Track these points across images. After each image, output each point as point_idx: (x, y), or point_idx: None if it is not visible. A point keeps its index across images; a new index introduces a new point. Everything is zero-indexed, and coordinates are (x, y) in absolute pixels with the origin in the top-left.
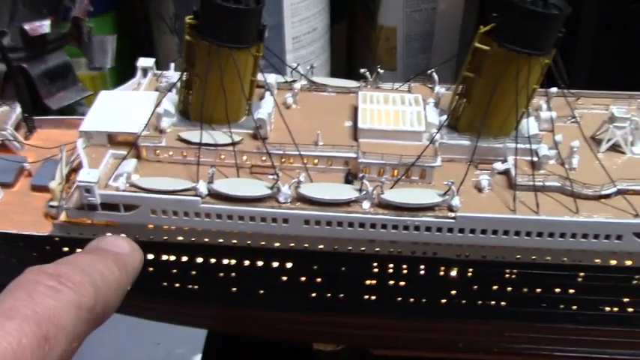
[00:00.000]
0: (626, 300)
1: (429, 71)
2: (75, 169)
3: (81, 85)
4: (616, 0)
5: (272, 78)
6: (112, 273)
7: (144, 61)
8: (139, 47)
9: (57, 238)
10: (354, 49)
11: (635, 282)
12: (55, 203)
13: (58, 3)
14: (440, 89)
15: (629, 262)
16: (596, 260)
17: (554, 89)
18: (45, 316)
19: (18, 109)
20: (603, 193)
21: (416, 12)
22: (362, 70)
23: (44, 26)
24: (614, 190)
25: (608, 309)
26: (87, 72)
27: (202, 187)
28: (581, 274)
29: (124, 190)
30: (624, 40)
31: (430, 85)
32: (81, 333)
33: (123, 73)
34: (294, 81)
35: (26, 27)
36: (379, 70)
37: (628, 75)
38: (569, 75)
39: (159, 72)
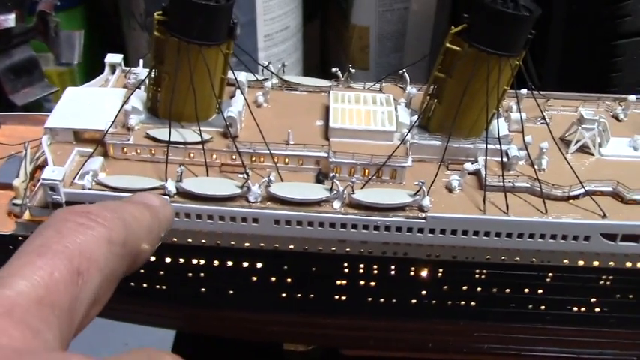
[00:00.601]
0: (593, 300)
1: (401, 71)
2: (40, 167)
3: (47, 81)
4: (586, 2)
5: (243, 76)
6: (143, 215)
7: (112, 57)
8: (108, 43)
9: (20, 237)
10: (328, 47)
11: (602, 282)
12: (18, 201)
13: None
14: (411, 89)
15: (596, 263)
16: (565, 261)
17: (524, 90)
18: (76, 251)
19: None
20: (572, 194)
21: (388, 11)
22: (334, 69)
23: (9, 20)
24: (582, 191)
25: (575, 309)
26: (55, 67)
27: (171, 186)
28: (550, 274)
29: (90, 189)
30: (594, 43)
31: (402, 85)
32: (115, 269)
33: (92, 69)
34: (265, 79)
35: None
36: (351, 69)
37: (598, 77)
38: (540, 77)
39: (127, 68)
